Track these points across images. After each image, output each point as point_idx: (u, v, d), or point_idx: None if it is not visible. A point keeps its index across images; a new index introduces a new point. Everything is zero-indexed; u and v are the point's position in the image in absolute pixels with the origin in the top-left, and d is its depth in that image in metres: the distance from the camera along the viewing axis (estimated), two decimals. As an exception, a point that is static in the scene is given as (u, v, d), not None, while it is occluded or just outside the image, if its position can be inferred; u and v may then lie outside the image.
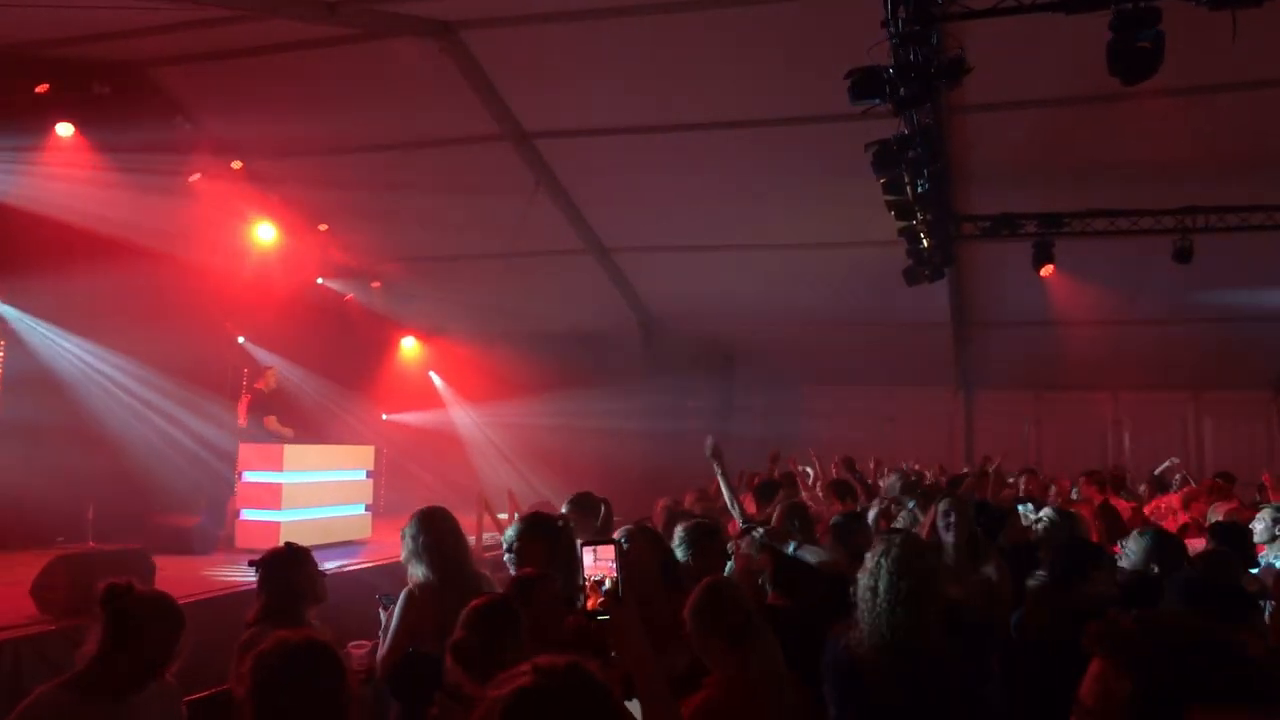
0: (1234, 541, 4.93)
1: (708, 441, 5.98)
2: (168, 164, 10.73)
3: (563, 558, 4.28)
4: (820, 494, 8.31)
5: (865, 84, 7.17)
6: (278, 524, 9.51)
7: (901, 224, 9.99)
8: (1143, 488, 11.26)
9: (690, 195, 12.08)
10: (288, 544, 4.13)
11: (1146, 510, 8.62)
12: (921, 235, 10.34)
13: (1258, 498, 8.68)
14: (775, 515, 5.79)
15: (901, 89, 7.08)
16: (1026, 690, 3.52)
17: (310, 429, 12.35)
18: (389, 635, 4.00)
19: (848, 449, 9.13)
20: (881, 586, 3.15)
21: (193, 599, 6.31)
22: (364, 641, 4.17)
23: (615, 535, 3.71)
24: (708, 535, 4.50)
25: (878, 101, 7.27)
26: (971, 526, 4.85)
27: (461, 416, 16.06)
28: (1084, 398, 16.05)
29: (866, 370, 15.65)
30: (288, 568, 3.94)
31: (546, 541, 4.15)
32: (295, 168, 12.38)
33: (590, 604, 2.42)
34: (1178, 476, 10.86)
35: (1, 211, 9.40)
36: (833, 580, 4.03)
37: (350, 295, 14.93)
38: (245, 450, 10.20)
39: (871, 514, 6.12)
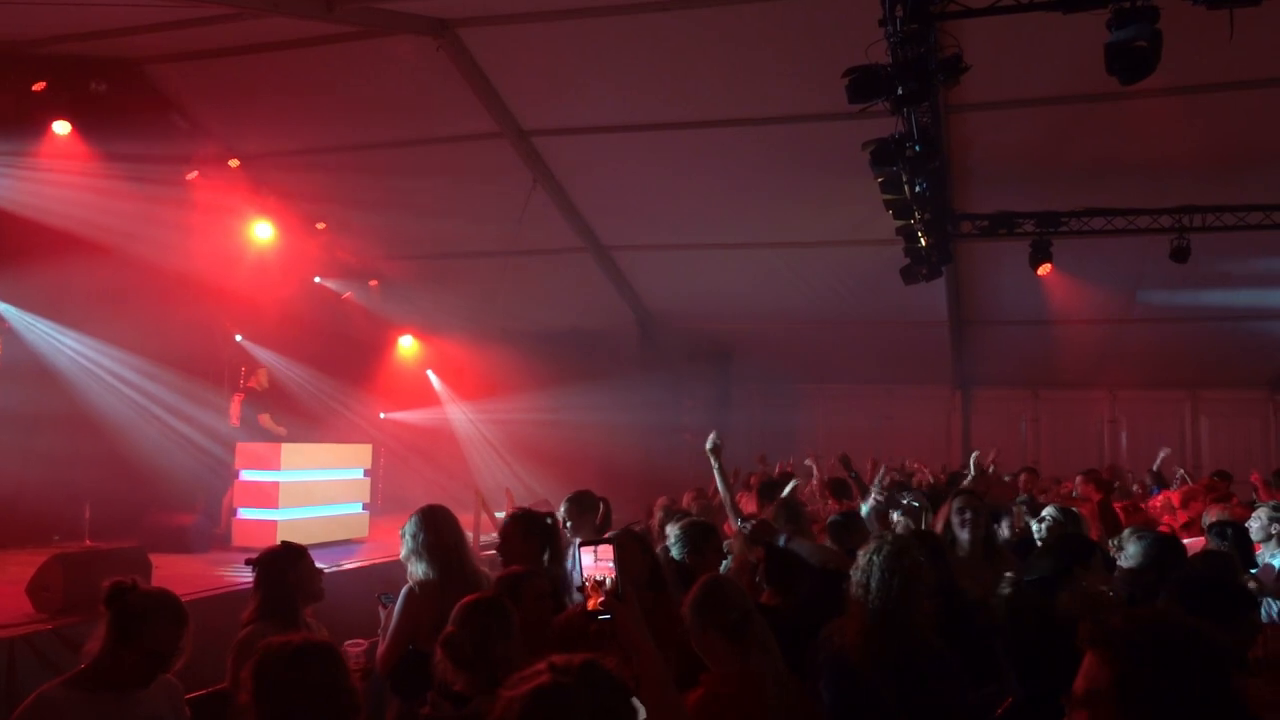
0: (1233, 541, 4.94)
1: (711, 436, 5.97)
2: (165, 162, 10.71)
3: (552, 555, 4.29)
4: (817, 493, 8.33)
5: (864, 83, 7.17)
6: (274, 523, 9.51)
7: (899, 222, 9.98)
8: (1136, 486, 11.28)
9: (688, 193, 12.08)
10: (284, 542, 4.14)
11: (1144, 505, 8.64)
12: (919, 234, 10.34)
13: (1254, 497, 8.69)
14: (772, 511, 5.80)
15: (899, 88, 7.08)
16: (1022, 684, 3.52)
17: (307, 427, 12.34)
18: (389, 632, 4.00)
19: (845, 447, 9.12)
20: (873, 583, 3.17)
21: (189, 598, 6.30)
22: (360, 640, 4.17)
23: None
24: (703, 533, 4.51)
25: (876, 100, 7.28)
26: (988, 525, 4.87)
27: (459, 415, 16.05)
28: (1081, 396, 16.08)
29: (864, 368, 15.67)
30: (284, 566, 3.95)
31: (534, 539, 4.16)
32: (292, 166, 12.36)
33: (591, 604, 2.42)
34: (1180, 473, 10.88)
35: (-1, 209, 9.40)
36: (827, 576, 4.03)
37: (348, 294, 14.91)
38: (242, 449, 10.19)
39: (864, 508, 6.13)
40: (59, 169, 9.74)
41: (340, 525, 10.48)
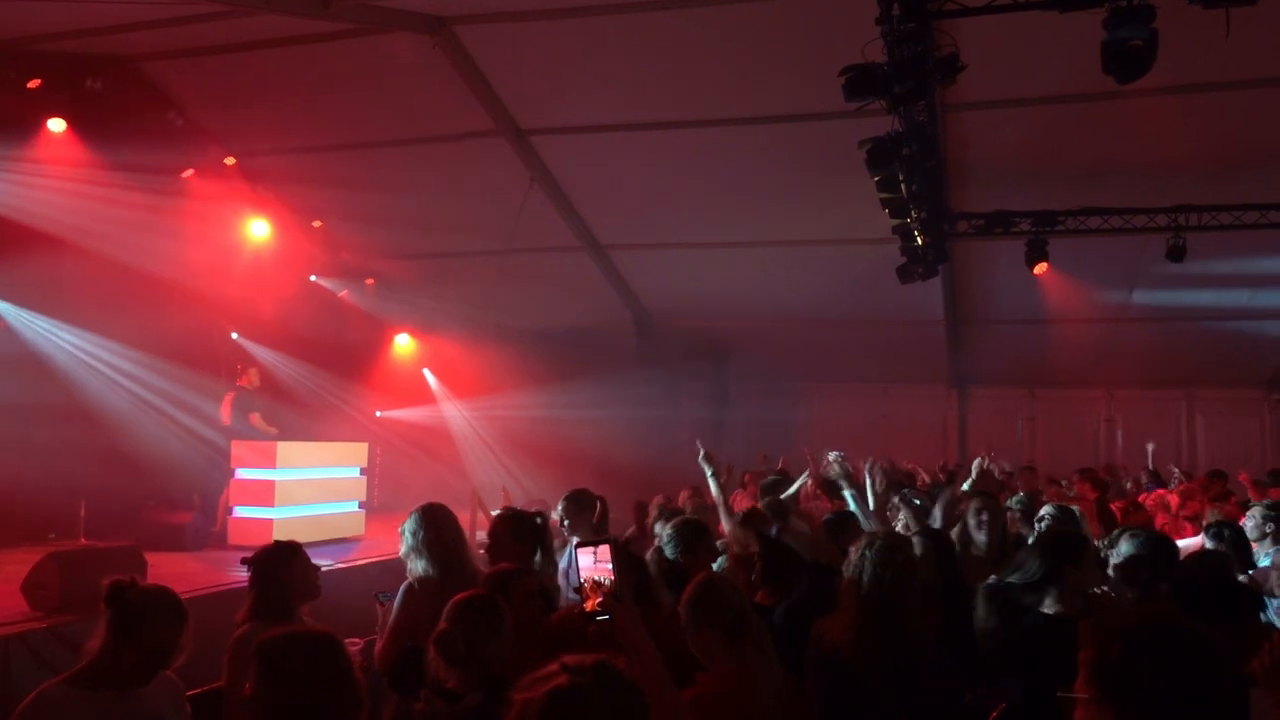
0: (1231, 541, 4.94)
1: (700, 452, 6.07)
2: (161, 160, 10.70)
3: (543, 555, 4.28)
4: (812, 492, 8.32)
5: (860, 81, 7.17)
6: (271, 521, 9.50)
7: (895, 221, 9.99)
8: (1129, 484, 11.29)
9: (686, 192, 12.08)
10: (279, 540, 4.13)
11: (1142, 499, 8.66)
12: (915, 233, 10.35)
13: (1247, 498, 8.71)
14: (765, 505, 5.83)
15: (896, 86, 7.08)
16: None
17: (304, 426, 12.33)
18: (388, 628, 4.00)
19: (841, 446, 9.10)
20: (865, 579, 3.18)
21: (185, 596, 6.28)
22: (356, 640, 4.16)
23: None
24: (696, 532, 4.52)
25: (873, 99, 7.28)
26: (1003, 525, 4.88)
27: (455, 414, 16.04)
28: (1077, 395, 16.09)
29: (860, 367, 15.67)
30: (278, 564, 3.94)
31: (524, 540, 4.15)
32: (289, 164, 12.35)
33: (589, 604, 2.42)
34: (1176, 474, 10.89)
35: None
36: (822, 576, 4.03)
37: (344, 292, 14.89)
38: (238, 447, 10.18)
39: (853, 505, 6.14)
40: (54, 167, 9.71)
41: (336, 523, 10.48)
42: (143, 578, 3.38)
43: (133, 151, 10.13)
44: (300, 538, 4.35)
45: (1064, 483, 9.94)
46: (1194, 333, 14.15)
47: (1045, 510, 5.59)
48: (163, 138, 10.81)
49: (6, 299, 9.95)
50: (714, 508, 6.52)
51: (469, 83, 10.21)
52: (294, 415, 12.19)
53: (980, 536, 4.93)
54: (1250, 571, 4.75)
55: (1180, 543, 5.86)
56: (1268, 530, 5.26)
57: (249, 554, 4.06)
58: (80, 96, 9.82)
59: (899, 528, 6.10)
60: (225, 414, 10.76)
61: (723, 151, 11.14)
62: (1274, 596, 4.41)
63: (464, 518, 4.64)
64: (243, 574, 4.07)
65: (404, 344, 16.43)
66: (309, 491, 10.33)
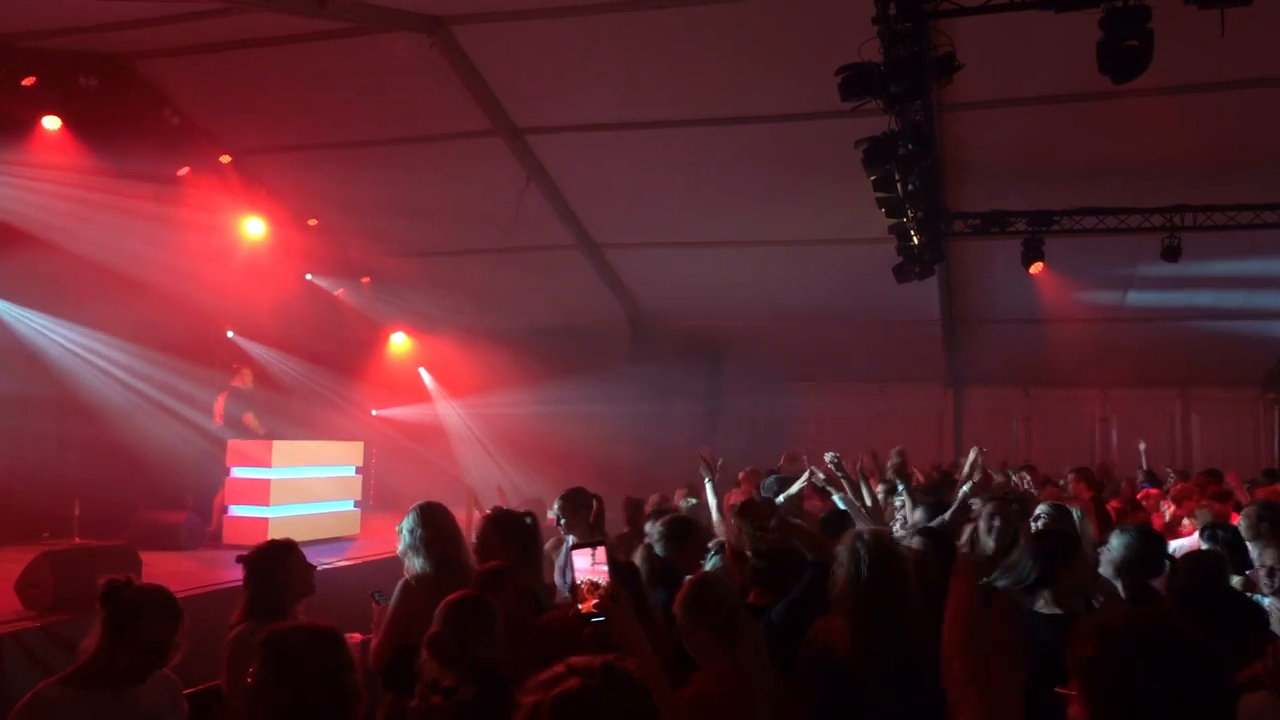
0: (1226, 542, 4.94)
1: (703, 461, 6.14)
2: (156, 158, 10.67)
3: (531, 555, 4.26)
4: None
5: (856, 81, 7.18)
6: (266, 520, 9.48)
7: (891, 221, 10.00)
8: (1123, 483, 11.30)
9: (681, 191, 12.08)
10: (274, 539, 4.12)
11: (1138, 496, 8.66)
12: (912, 232, 10.35)
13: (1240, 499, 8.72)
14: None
15: (892, 86, 7.08)
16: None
17: (299, 424, 12.30)
18: (383, 626, 4.00)
19: (836, 446, 9.10)
20: (862, 580, 3.16)
21: (180, 595, 6.27)
22: (356, 635, 4.16)
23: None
24: (685, 529, 4.52)
25: (869, 98, 7.28)
26: (1015, 532, 4.89)
27: (451, 412, 16.02)
28: (1072, 395, 16.10)
29: (856, 367, 15.68)
30: (273, 562, 3.93)
31: (513, 541, 4.13)
32: (285, 162, 12.33)
33: (585, 606, 2.41)
34: (1170, 475, 10.90)
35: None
36: (815, 575, 4.02)
37: (340, 291, 14.87)
38: (234, 446, 10.16)
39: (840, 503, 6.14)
40: (48, 164, 9.68)
41: (332, 522, 10.46)
42: (137, 577, 3.38)
43: (128, 149, 10.10)
44: (295, 537, 4.34)
45: (1062, 482, 9.95)
46: (1189, 332, 14.18)
47: (1041, 509, 5.60)
48: (158, 136, 10.79)
49: (1, 295, 9.93)
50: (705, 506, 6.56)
51: (465, 82, 10.21)
52: (289, 414, 12.17)
53: (989, 541, 4.95)
54: (1247, 572, 4.76)
55: (1176, 543, 5.88)
56: (1261, 530, 5.27)
57: (245, 553, 4.05)
58: (75, 94, 9.79)
59: (897, 527, 6.10)
60: (218, 414, 10.74)
61: (719, 151, 11.15)
62: (1264, 596, 4.42)
63: (460, 516, 4.63)
64: (238, 573, 4.07)
65: (399, 342, 16.40)
66: (304, 490, 10.31)
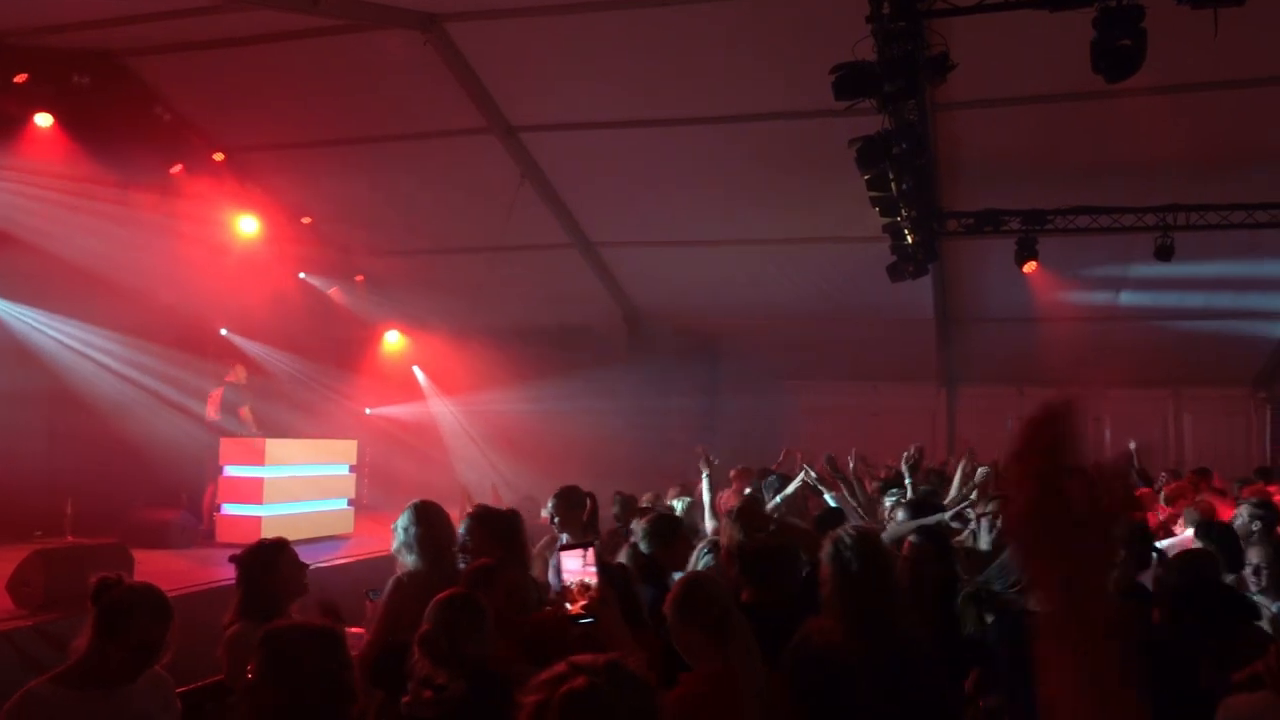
0: (1219, 541, 4.96)
1: (703, 458, 6.15)
2: (149, 155, 10.64)
3: (516, 552, 4.25)
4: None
5: (850, 80, 7.18)
6: (259, 518, 9.47)
7: (885, 220, 10.00)
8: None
9: (676, 190, 12.08)
10: (266, 538, 4.12)
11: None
12: (905, 231, 10.36)
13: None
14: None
15: (886, 85, 7.09)
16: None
17: (293, 423, 12.28)
18: (374, 622, 3.99)
19: (830, 444, 9.13)
20: (851, 578, 3.15)
21: (173, 594, 6.26)
22: (358, 629, 4.16)
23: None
24: (670, 526, 4.53)
25: (863, 98, 7.29)
26: None
27: (445, 411, 16.01)
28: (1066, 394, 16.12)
29: (850, 366, 15.70)
30: (267, 562, 3.93)
31: (497, 540, 4.12)
32: (278, 160, 12.30)
33: (575, 607, 2.42)
34: (1163, 476, 10.92)
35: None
36: (808, 569, 4.02)
37: (334, 289, 14.84)
38: (226, 444, 10.14)
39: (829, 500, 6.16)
40: (40, 161, 9.65)
41: (325, 521, 10.45)
42: (129, 575, 3.37)
43: (120, 147, 10.08)
44: (289, 535, 4.34)
45: None
46: (1182, 332, 14.22)
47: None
48: (151, 133, 10.76)
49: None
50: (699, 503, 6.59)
51: (459, 79, 10.19)
52: (283, 412, 12.15)
53: (986, 539, 4.98)
54: (1241, 570, 4.77)
55: (1168, 540, 5.90)
56: (1254, 528, 5.29)
57: (237, 553, 4.05)
58: (67, 91, 9.76)
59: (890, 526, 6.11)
60: (212, 410, 10.71)
61: (713, 149, 11.14)
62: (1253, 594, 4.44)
63: (454, 515, 4.63)
64: (230, 571, 4.06)
65: (393, 341, 16.38)
66: (298, 489, 10.29)
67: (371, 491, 13.68)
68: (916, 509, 5.84)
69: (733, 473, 8.93)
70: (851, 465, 6.49)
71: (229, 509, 9.87)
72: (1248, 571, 4.49)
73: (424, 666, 2.99)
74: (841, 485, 6.43)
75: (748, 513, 4.94)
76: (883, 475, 8.85)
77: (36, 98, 9.70)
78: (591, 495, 5.42)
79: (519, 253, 13.56)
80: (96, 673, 3.03)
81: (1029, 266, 11.54)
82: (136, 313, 10.48)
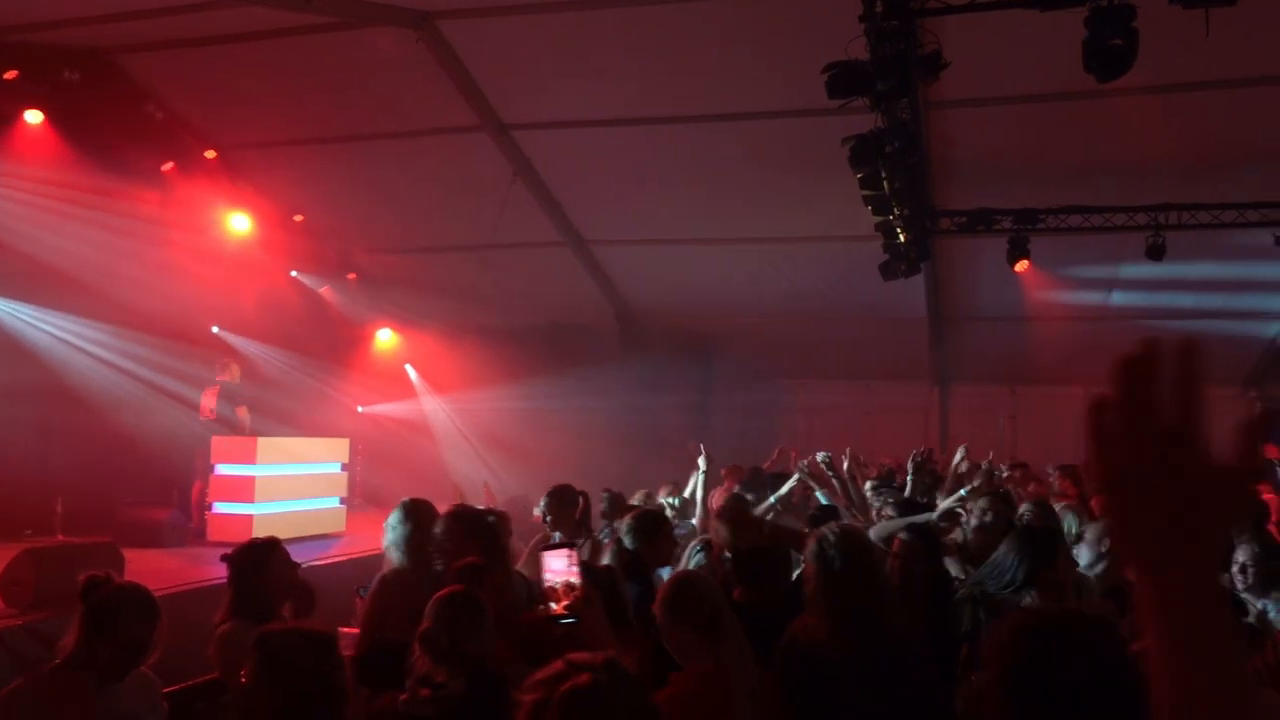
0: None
1: (703, 453, 6.15)
2: (140, 152, 10.60)
3: (494, 553, 4.24)
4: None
5: (843, 79, 7.18)
6: (251, 517, 9.44)
7: (878, 218, 10.02)
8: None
9: (669, 188, 12.07)
10: (257, 537, 4.11)
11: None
12: (898, 230, 10.37)
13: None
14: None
15: (879, 84, 7.09)
16: None
17: (284, 421, 12.24)
18: (360, 619, 4.00)
19: (823, 443, 9.13)
20: (835, 576, 3.15)
21: (163, 593, 6.24)
22: (350, 629, 4.16)
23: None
24: (655, 523, 4.54)
25: (856, 96, 7.29)
26: (1005, 524, 4.92)
27: (437, 409, 15.99)
28: (1058, 393, 16.13)
29: (843, 364, 15.71)
30: (257, 560, 3.92)
31: (475, 541, 4.11)
32: (270, 158, 12.26)
33: (559, 607, 2.42)
34: None
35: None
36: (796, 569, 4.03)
37: (325, 287, 14.81)
38: (218, 442, 10.11)
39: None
40: (30, 158, 9.61)
41: (317, 519, 10.42)
42: (119, 574, 3.37)
43: (111, 144, 10.04)
44: (280, 533, 4.33)
45: (1051, 478, 9.98)
46: (1173, 331, 14.24)
47: (1024, 508, 5.62)
48: (142, 130, 10.72)
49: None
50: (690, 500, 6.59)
51: (452, 77, 10.17)
52: (275, 411, 12.11)
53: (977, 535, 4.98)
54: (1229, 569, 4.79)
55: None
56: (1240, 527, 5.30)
57: (229, 551, 4.04)
58: (58, 88, 9.71)
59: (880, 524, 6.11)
60: (207, 407, 10.67)
61: (706, 147, 11.14)
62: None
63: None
64: (221, 570, 4.05)
65: (386, 339, 16.36)
66: (289, 487, 10.26)
67: (363, 490, 13.66)
68: (905, 508, 5.86)
69: (724, 470, 8.94)
70: (845, 464, 6.48)
71: (220, 507, 9.83)
72: (1234, 569, 4.51)
73: (424, 664, 2.99)
74: (836, 483, 6.44)
75: (732, 510, 4.95)
76: (874, 474, 8.85)
77: (27, 95, 9.65)
78: (584, 494, 5.42)
79: (511, 251, 13.54)
80: (84, 670, 3.03)
81: (1021, 265, 11.57)
82: (126, 309, 10.44)
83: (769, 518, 6.20)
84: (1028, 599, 3.65)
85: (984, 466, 7.39)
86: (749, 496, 6.67)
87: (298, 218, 13.58)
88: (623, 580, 4.05)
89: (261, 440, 10.08)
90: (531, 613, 3.68)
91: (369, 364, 16.02)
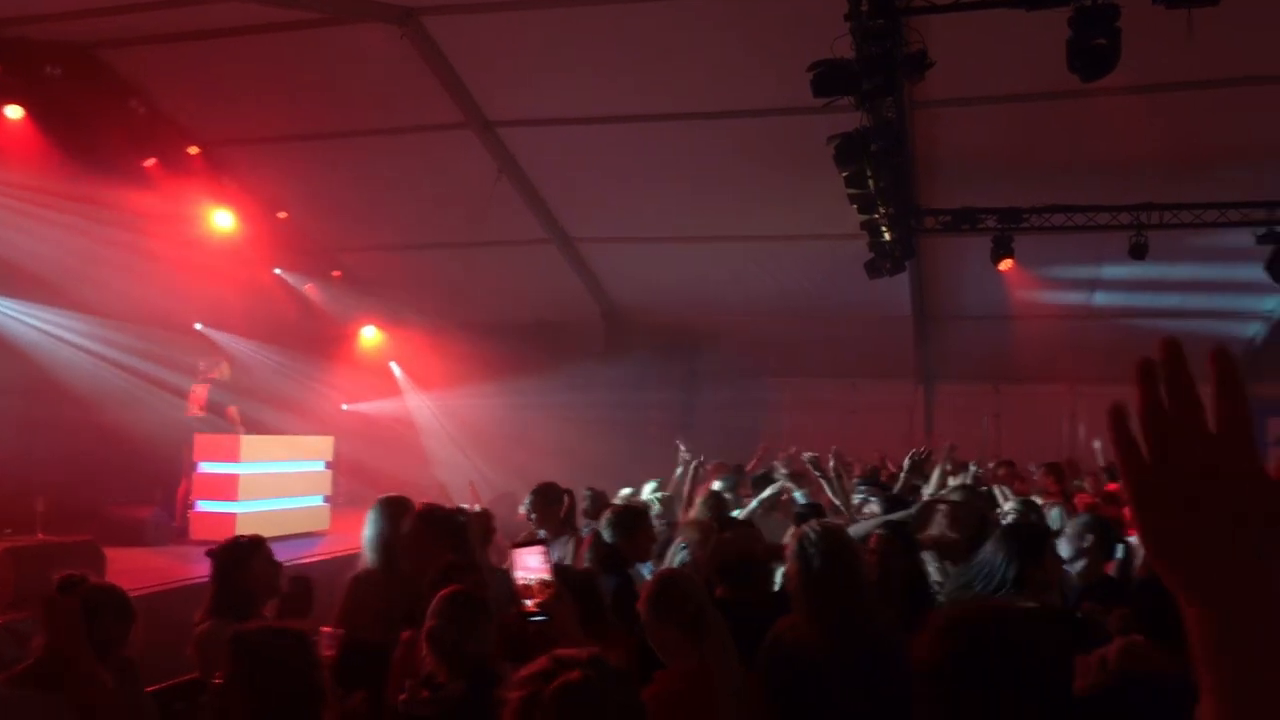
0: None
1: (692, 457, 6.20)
2: (122, 148, 10.51)
3: (463, 552, 4.22)
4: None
5: (829, 77, 7.19)
6: (234, 515, 9.39)
7: (863, 217, 10.04)
8: (1088, 480, 11.40)
9: (654, 186, 12.07)
10: (240, 535, 4.09)
11: (1109, 487, 8.75)
12: (883, 228, 10.40)
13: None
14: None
15: (864, 83, 7.11)
16: None
17: (268, 419, 12.18)
18: (334, 618, 3.97)
19: (808, 441, 9.16)
20: (815, 574, 3.15)
21: (145, 592, 6.21)
22: (331, 629, 4.14)
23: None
24: (634, 517, 4.54)
25: (841, 95, 7.30)
26: (979, 519, 4.94)
27: (422, 407, 15.94)
28: (1042, 391, 16.25)
29: (828, 363, 15.75)
30: (240, 559, 3.90)
31: (444, 541, 4.09)
32: (254, 154, 12.20)
33: (531, 605, 2.42)
34: None
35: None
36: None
37: (309, 284, 14.74)
38: (201, 440, 10.06)
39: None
40: (10, 154, 9.52)
41: (301, 518, 10.39)
42: (99, 573, 3.34)
43: (93, 139, 9.95)
44: (264, 532, 4.31)
45: (1035, 474, 10.03)
46: (1156, 329, 14.32)
47: (1009, 506, 5.65)
48: (124, 126, 10.63)
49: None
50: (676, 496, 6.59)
51: (436, 73, 10.13)
52: (258, 408, 12.05)
53: (950, 534, 4.99)
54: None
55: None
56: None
57: (213, 548, 4.02)
58: (39, 83, 9.62)
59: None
60: (195, 406, 10.61)
61: (692, 145, 11.15)
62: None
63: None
64: (204, 569, 4.03)
65: (370, 336, 16.30)
66: (273, 486, 10.23)
67: (348, 488, 13.60)
68: (890, 505, 5.87)
69: (709, 467, 8.96)
70: (831, 462, 6.49)
71: (204, 506, 9.78)
72: None
73: (429, 662, 2.99)
74: (822, 482, 6.45)
75: (716, 501, 4.97)
76: (857, 473, 8.88)
77: (8, 89, 9.56)
78: (569, 492, 5.42)
79: (496, 248, 13.52)
80: (56, 671, 2.99)
81: (1005, 264, 11.61)
82: (107, 306, 10.37)
83: (758, 514, 6.22)
84: (1020, 598, 3.66)
85: (971, 468, 7.41)
86: (727, 496, 6.67)
87: (281, 214, 13.50)
88: (600, 574, 4.04)
89: (245, 438, 10.04)
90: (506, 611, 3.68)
91: (353, 361, 15.95)
